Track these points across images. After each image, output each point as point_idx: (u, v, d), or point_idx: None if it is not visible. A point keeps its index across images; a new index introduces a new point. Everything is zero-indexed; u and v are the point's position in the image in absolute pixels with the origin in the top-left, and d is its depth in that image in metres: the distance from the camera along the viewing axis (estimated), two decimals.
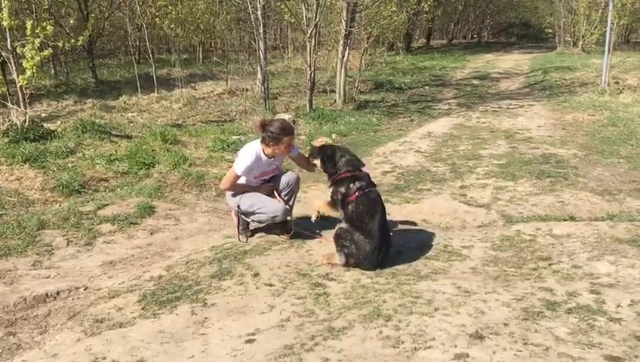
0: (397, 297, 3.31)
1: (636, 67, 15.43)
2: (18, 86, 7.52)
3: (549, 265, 3.78)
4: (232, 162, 4.57)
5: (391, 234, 4.02)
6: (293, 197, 4.46)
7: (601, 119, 9.26)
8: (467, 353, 2.66)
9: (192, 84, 13.49)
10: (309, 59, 10.19)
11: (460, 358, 2.63)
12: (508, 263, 3.86)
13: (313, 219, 4.13)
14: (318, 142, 4.30)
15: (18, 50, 7.45)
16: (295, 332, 2.96)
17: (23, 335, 3.18)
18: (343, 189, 3.88)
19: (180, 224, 5.03)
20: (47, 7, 11.76)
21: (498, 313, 3.06)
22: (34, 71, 7.35)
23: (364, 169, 4.10)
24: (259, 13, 10.02)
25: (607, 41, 12.04)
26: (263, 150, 4.21)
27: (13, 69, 7.62)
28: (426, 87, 14.46)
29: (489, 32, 39.24)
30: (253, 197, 4.29)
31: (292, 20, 12.66)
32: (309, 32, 10.02)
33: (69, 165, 6.31)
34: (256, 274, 3.73)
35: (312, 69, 10.19)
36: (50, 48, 7.79)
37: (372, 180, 4.06)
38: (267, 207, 4.24)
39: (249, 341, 2.91)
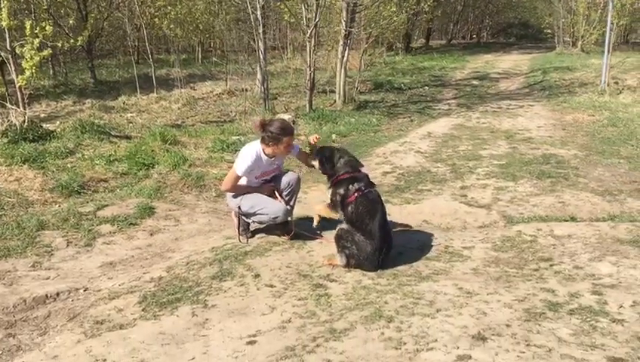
0: (398, 298, 3.30)
1: (635, 67, 15.44)
2: (17, 86, 7.51)
3: (551, 265, 3.77)
4: (232, 163, 4.56)
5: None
6: (294, 198, 4.45)
7: (601, 119, 9.26)
8: (469, 354, 2.65)
9: (192, 85, 13.48)
10: (308, 59, 10.18)
11: (462, 360, 2.62)
12: (509, 264, 3.85)
13: (315, 224, 4.12)
14: (313, 138, 4.32)
15: (17, 51, 7.43)
16: (296, 334, 2.94)
17: (22, 336, 3.16)
18: (342, 190, 3.87)
19: (180, 225, 5.02)
20: (46, 7, 11.75)
21: (500, 314, 3.05)
22: (33, 71, 7.34)
23: (363, 169, 4.09)
24: (258, 13, 10.01)
25: (606, 42, 12.05)
26: (263, 150, 4.20)
27: (12, 69, 7.61)
28: (426, 87, 14.46)
29: (488, 33, 39.27)
30: (254, 198, 4.28)
31: (291, 20, 12.66)
32: (309, 32, 10.01)
33: (69, 166, 6.30)
34: (257, 275, 3.71)
35: (312, 69, 10.18)
36: (49, 48, 7.76)
37: (371, 181, 4.05)
38: (268, 207, 4.23)
39: (250, 342, 2.90)
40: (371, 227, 3.76)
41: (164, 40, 19.05)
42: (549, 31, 27.41)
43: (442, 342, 2.77)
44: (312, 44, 10.11)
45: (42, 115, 9.70)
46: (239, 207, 4.32)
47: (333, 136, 8.60)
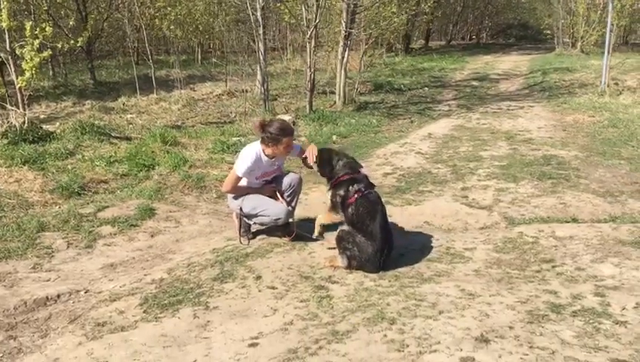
0: (401, 300, 3.29)
1: (635, 68, 15.45)
2: (17, 87, 7.49)
3: (553, 267, 3.77)
4: (233, 164, 4.55)
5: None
6: (295, 199, 4.44)
7: (602, 120, 9.26)
8: (473, 357, 2.64)
9: (191, 86, 13.47)
10: (309, 60, 10.18)
11: None
12: (511, 265, 3.84)
13: (315, 234, 4.08)
14: (309, 150, 4.15)
15: (17, 52, 7.41)
16: (299, 336, 2.93)
17: (23, 339, 3.15)
18: (342, 192, 3.87)
19: (180, 226, 5.00)
20: (45, 8, 11.74)
21: (503, 316, 3.04)
22: (33, 72, 7.32)
23: (363, 170, 4.08)
24: (258, 14, 10.00)
25: (606, 43, 12.05)
26: (263, 151, 4.19)
27: (12, 70, 7.59)
28: (426, 88, 14.45)
29: (487, 34, 39.27)
30: (256, 199, 4.27)
31: (292, 21, 12.65)
32: (309, 33, 10.01)
33: (69, 167, 6.28)
34: (259, 277, 3.70)
35: (312, 70, 10.17)
36: (49, 49, 7.75)
37: (371, 181, 4.04)
38: (270, 209, 4.22)
39: (252, 345, 2.88)
40: (372, 228, 3.75)
41: (163, 41, 19.07)
42: (548, 32, 27.42)
43: (445, 344, 2.76)
44: (313, 45, 10.11)
45: (42, 116, 9.69)
46: (240, 208, 4.31)
47: (334, 137, 8.59)
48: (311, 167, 4.21)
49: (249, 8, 10.04)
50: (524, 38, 37.57)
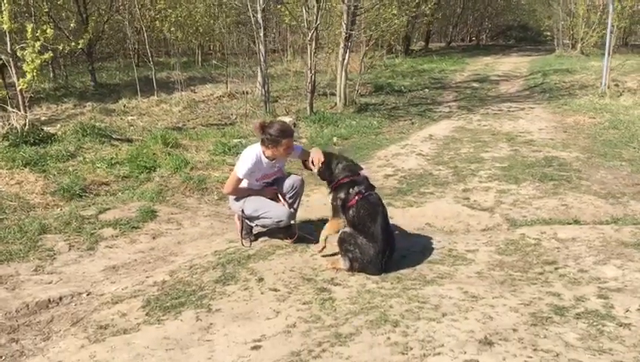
0: (403, 302, 3.28)
1: (635, 70, 15.44)
2: (18, 89, 7.48)
3: (555, 269, 3.76)
4: (234, 165, 4.55)
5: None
6: (297, 200, 4.43)
7: (603, 122, 9.26)
8: (477, 359, 2.64)
9: (192, 87, 13.45)
10: (309, 62, 10.17)
11: None
12: (514, 267, 3.84)
13: (320, 248, 3.99)
14: (314, 154, 4.12)
15: (18, 54, 7.41)
16: (302, 339, 2.93)
17: (25, 341, 3.14)
18: (342, 194, 3.87)
19: (182, 228, 5.00)
20: (46, 10, 11.73)
21: (506, 318, 3.04)
22: (34, 74, 7.31)
23: (364, 172, 4.08)
24: (259, 16, 10.01)
25: (607, 44, 12.05)
26: (263, 152, 4.19)
27: (13, 72, 7.59)
28: (426, 89, 14.45)
29: (487, 35, 39.25)
30: (257, 201, 4.27)
31: (292, 23, 12.65)
32: (310, 34, 10.01)
33: (70, 169, 6.28)
34: (261, 279, 3.70)
35: (313, 71, 10.17)
36: (50, 52, 7.74)
37: (371, 183, 4.03)
38: (272, 211, 4.21)
39: (255, 347, 2.88)
40: (374, 230, 3.75)
41: (164, 43, 19.03)
42: (548, 33, 27.41)
43: (449, 347, 2.75)
44: (313, 47, 10.11)
45: (43, 118, 9.68)
46: (242, 210, 4.30)
47: (335, 138, 8.58)
48: (311, 170, 4.21)
49: (250, 10, 10.05)
50: (524, 40, 37.56)
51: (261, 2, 9.93)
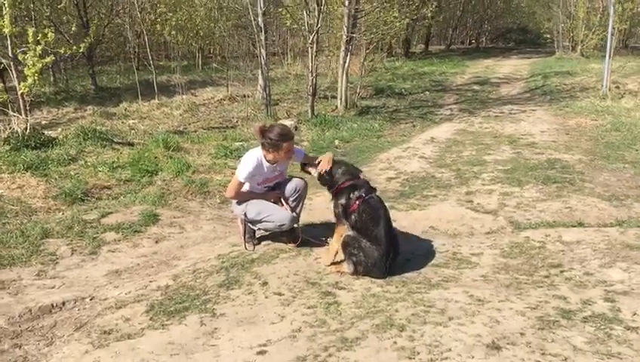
0: (409, 306, 3.26)
1: (636, 72, 15.43)
2: (19, 93, 7.47)
3: (561, 272, 3.74)
4: (236, 169, 4.53)
5: None
6: (300, 204, 4.41)
7: (604, 124, 9.25)
8: None
9: (192, 91, 13.45)
10: (310, 65, 10.17)
11: None
12: (519, 270, 3.82)
13: (329, 262, 3.92)
14: (325, 160, 4.10)
15: (19, 57, 7.40)
16: (307, 343, 2.90)
17: (29, 347, 3.12)
18: (343, 200, 3.87)
19: (184, 232, 4.98)
20: (47, 14, 11.73)
21: (513, 322, 3.02)
22: (35, 78, 7.30)
23: (365, 175, 4.07)
24: (260, 19, 10.01)
25: (608, 46, 12.05)
26: (264, 156, 4.17)
27: (14, 76, 7.58)
28: (427, 92, 14.45)
29: (487, 38, 39.29)
30: (260, 205, 4.25)
31: (293, 26, 12.65)
32: (311, 38, 10.00)
33: (71, 173, 6.26)
34: (265, 283, 3.67)
35: (314, 74, 10.17)
36: (51, 55, 7.73)
37: (372, 186, 4.02)
38: (274, 215, 4.19)
39: (260, 352, 2.86)
40: (377, 232, 3.74)
41: (164, 46, 19.05)
42: (547, 36, 27.42)
43: (456, 352, 2.73)
44: (314, 50, 10.10)
45: (43, 122, 9.67)
46: (245, 214, 4.28)
47: (336, 141, 8.57)
48: (309, 173, 4.19)
49: (250, 13, 10.05)
50: (524, 42, 37.59)
51: (262, 5, 9.93)
